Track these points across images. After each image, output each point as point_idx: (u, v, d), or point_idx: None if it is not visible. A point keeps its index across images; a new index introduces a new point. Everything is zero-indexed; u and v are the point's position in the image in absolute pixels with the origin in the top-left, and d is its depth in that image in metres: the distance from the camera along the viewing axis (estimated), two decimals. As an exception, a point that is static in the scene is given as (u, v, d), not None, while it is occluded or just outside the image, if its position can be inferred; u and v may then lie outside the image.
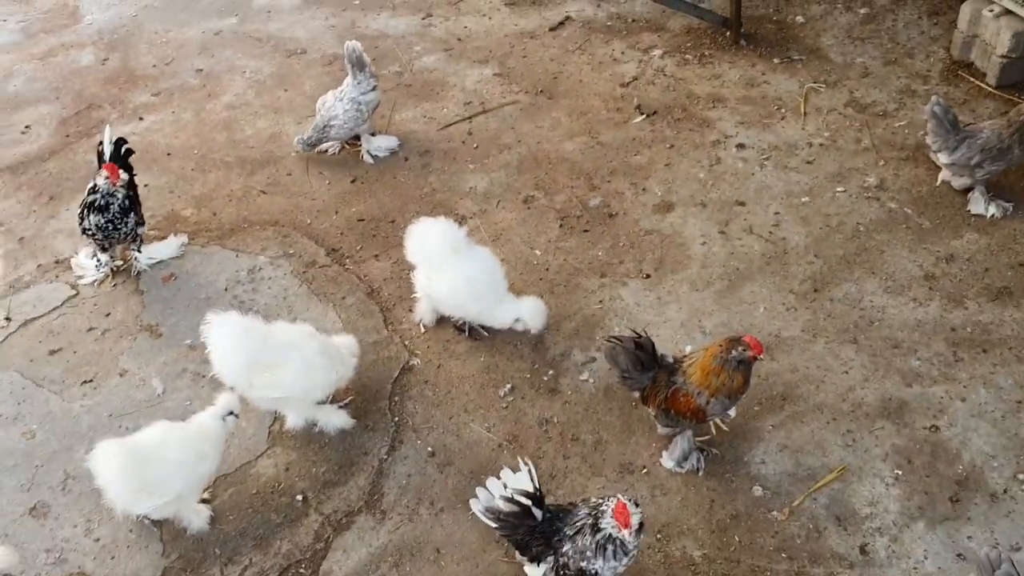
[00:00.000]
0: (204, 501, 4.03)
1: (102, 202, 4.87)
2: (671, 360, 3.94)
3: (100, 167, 4.98)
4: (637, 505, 3.19)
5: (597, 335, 4.66)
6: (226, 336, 3.97)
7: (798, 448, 4.09)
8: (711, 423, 4.13)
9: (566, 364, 4.55)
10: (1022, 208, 5.15)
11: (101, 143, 5.07)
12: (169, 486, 3.75)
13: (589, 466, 4.09)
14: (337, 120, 5.65)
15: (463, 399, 4.42)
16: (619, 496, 3.17)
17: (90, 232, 4.97)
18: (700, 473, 4.00)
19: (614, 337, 3.96)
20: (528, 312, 4.51)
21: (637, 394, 3.99)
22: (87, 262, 5.18)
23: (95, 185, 4.91)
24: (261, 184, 5.79)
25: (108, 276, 5.14)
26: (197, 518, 3.93)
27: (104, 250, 5.11)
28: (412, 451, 4.21)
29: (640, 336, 3.86)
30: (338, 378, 4.18)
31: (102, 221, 4.91)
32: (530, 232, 5.30)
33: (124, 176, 4.92)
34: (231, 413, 3.91)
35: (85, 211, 4.93)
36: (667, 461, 4.03)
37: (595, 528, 3.17)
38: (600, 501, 3.25)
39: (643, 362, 3.86)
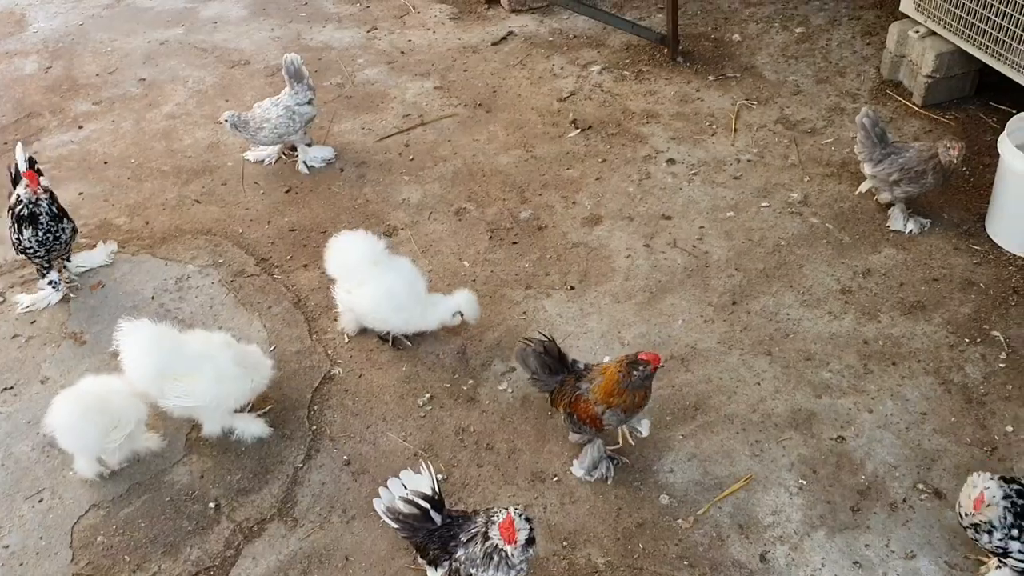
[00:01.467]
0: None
1: (26, 212, 4.78)
2: (582, 366, 4.01)
3: (14, 187, 4.91)
4: (528, 520, 3.22)
5: (518, 345, 4.71)
6: (137, 344, 3.99)
7: (707, 457, 4.16)
8: (620, 433, 4.19)
9: (486, 374, 4.60)
10: (940, 225, 5.27)
11: (11, 164, 4.98)
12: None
13: (502, 474, 4.14)
14: (269, 123, 5.69)
15: (382, 408, 4.47)
16: (510, 509, 3.22)
17: (31, 251, 4.86)
18: (609, 482, 4.06)
19: (525, 339, 4.05)
20: (465, 304, 4.59)
21: (548, 395, 4.08)
22: (40, 292, 5.05)
23: (18, 196, 4.83)
24: (196, 193, 5.82)
25: (67, 292, 5.07)
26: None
27: (48, 268, 5.00)
28: (328, 459, 4.25)
29: (548, 340, 3.93)
30: (253, 387, 4.21)
31: (40, 234, 4.81)
32: (460, 244, 5.36)
33: (44, 182, 4.87)
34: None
35: (17, 228, 4.82)
36: (577, 469, 4.09)
37: (485, 537, 3.22)
38: (496, 511, 3.30)
39: (550, 366, 3.93)
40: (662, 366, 3.73)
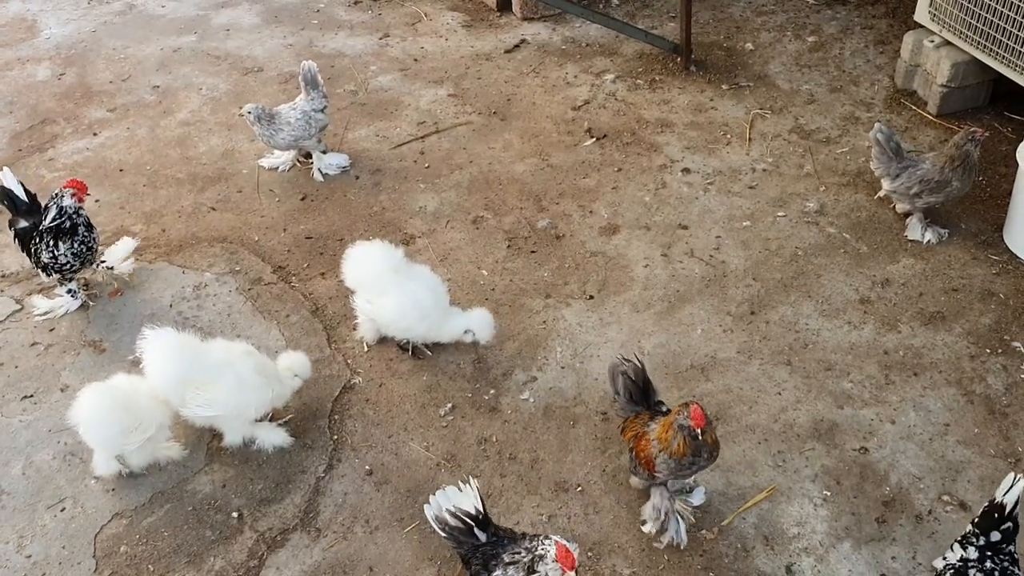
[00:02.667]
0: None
1: (68, 224, 4.74)
2: (664, 409, 3.90)
3: (15, 212, 4.92)
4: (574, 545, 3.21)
5: (539, 355, 4.72)
6: (160, 352, 3.99)
7: (729, 468, 4.15)
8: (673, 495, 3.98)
9: (507, 384, 4.60)
10: (957, 234, 5.27)
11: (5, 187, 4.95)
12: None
13: (525, 484, 4.14)
14: (289, 125, 5.71)
15: (403, 418, 4.46)
16: (556, 538, 3.20)
17: (67, 266, 4.82)
18: (682, 547, 3.83)
19: (624, 358, 3.93)
20: (477, 323, 4.57)
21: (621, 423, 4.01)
22: (58, 299, 5.03)
23: (60, 208, 4.74)
24: (212, 201, 5.82)
25: (86, 300, 5.07)
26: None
27: (71, 279, 4.97)
28: (350, 469, 4.24)
29: (639, 365, 3.88)
30: (274, 397, 4.21)
31: (75, 246, 4.79)
32: (478, 252, 5.36)
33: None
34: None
35: (52, 244, 4.75)
36: (648, 526, 3.89)
37: (530, 570, 3.19)
38: (538, 538, 3.27)
39: (631, 392, 3.87)
40: (703, 431, 3.50)
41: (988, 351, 4.59)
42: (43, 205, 4.89)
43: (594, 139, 6.18)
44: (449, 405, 4.49)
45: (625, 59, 7.01)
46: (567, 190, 5.78)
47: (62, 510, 4.09)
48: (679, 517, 3.87)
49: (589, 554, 3.84)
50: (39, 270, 4.92)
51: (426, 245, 5.40)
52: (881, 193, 5.42)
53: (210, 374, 4.04)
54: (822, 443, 4.24)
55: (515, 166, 5.99)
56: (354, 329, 4.85)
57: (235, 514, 4.07)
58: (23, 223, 4.92)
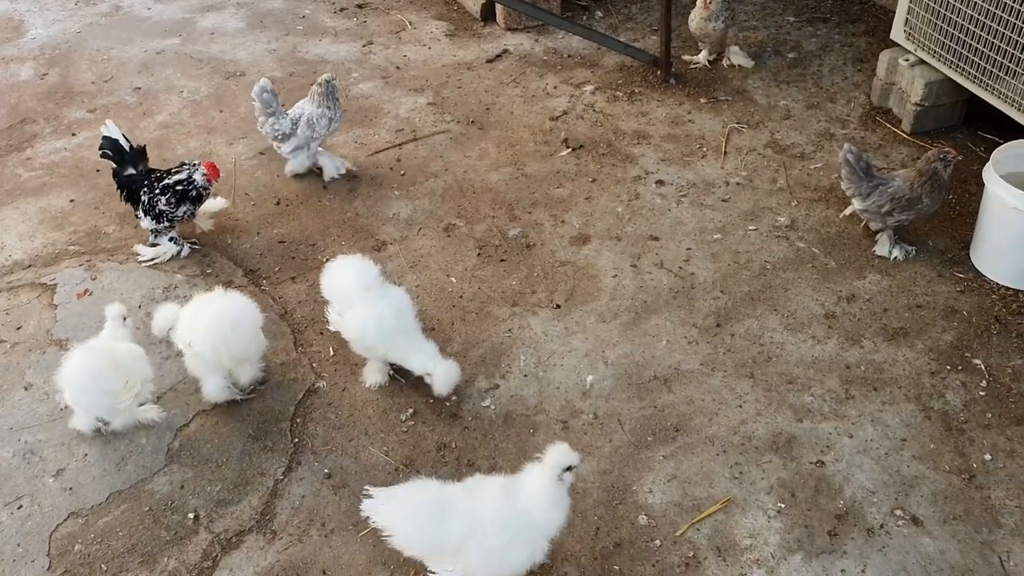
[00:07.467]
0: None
1: (194, 193, 5.32)
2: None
3: (120, 158, 5.35)
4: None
5: (503, 363, 4.74)
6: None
7: (686, 479, 4.17)
8: None
9: (470, 391, 4.61)
10: (925, 251, 5.30)
11: (107, 137, 5.35)
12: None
13: (482, 491, 4.14)
14: (311, 120, 5.81)
15: (365, 422, 4.47)
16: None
17: (177, 218, 5.34)
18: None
19: None
20: (440, 376, 4.39)
21: None
22: (161, 247, 5.42)
23: (191, 178, 5.29)
24: (186, 203, 5.83)
25: (191, 247, 5.51)
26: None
27: (174, 228, 5.45)
28: (309, 472, 4.25)
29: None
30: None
31: (194, 210, 5.39)
32: (448, 260, 5.38)
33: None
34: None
35: (175, 202, 5.27)
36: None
37: None
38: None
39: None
40: None
41: (948, 368, 4.62)
42: (179, 164, 5.42)
43: (570, 149, 6.22)
44: (411, 410, 4.51)
45: (605, 71, 7.05)
46: (540, 199, 5.80)
47: (19, 508, 4.10)
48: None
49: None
50: (144, 215, 5.33)
51: (397, 252, 5.42)
52: (847, 212, 5.46)
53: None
54: (779, 456, 4.25)
55: (490, 175, 6.02)
56: (322, 333, 4.87)
57: (191, 515, 4.08)
58: (130, 170, 5.36)
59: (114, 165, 5.37)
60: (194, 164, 5.33)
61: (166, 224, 5.34)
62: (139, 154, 5.43)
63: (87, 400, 4.24)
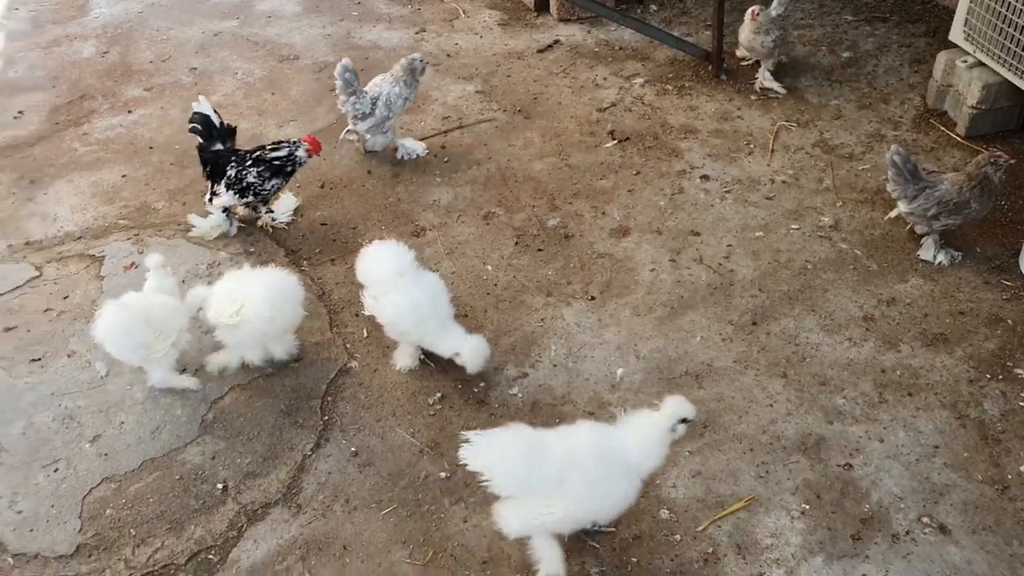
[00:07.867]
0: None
1: (289, 168, 5.40)
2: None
3: (208, 138, 5.40)
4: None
5: (533, 352, 4.75)
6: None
7: (711, 475, 4.14)
8: None
9: (498, 378, 4.63)
10: (972, 257, 5.19)
11: (198, 112, 5.41)
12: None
13: (505, 478, 4.16)
14: (388, 100, 5.93)
15: (393, 404, 4.52)
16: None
17: (264, 192, 5.39)
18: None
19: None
20: (469, 352, 4.44)
21: None
22: (212, 218, 5.50)
23: (292, 154, 5.38)
24: (234, 182, 5.94)
25: (237, 225, 5.60)
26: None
27: (264, 203, 5.55)
28: (336, 450, 4.31)
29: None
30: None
31: (281, 184, 5.45)
32: (485, 247, 5.40)
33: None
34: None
35: (268, 175, 5.33)
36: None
37: None
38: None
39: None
40: None
41: (988, 376, 4.52)
42: (276, 142, 5.48)
43: (616, 141, 6.20)
44: (439, 395, 4.54)
45: (656, 64, 7.00)
46: (582, 190, 5.80)
47: (55, 471, 4.22)
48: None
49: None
50: (225, 189, 5.35)
51: (435, 238, 5.46)
52: (892, 214, 5.36)
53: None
54: (807, 457, 4.20)
55: (533, 164, 6.03)
56: (357, 315, 4.93)
57: (220, 485, 4.16)
58: (217, 146, 5.43)
59: (200, 140, 5.43)
60: (294, 142, 5.42)
61: (250, 198, 5.37)
62: (229, 131, 5.51)
63: (123, 355, 4.40)
